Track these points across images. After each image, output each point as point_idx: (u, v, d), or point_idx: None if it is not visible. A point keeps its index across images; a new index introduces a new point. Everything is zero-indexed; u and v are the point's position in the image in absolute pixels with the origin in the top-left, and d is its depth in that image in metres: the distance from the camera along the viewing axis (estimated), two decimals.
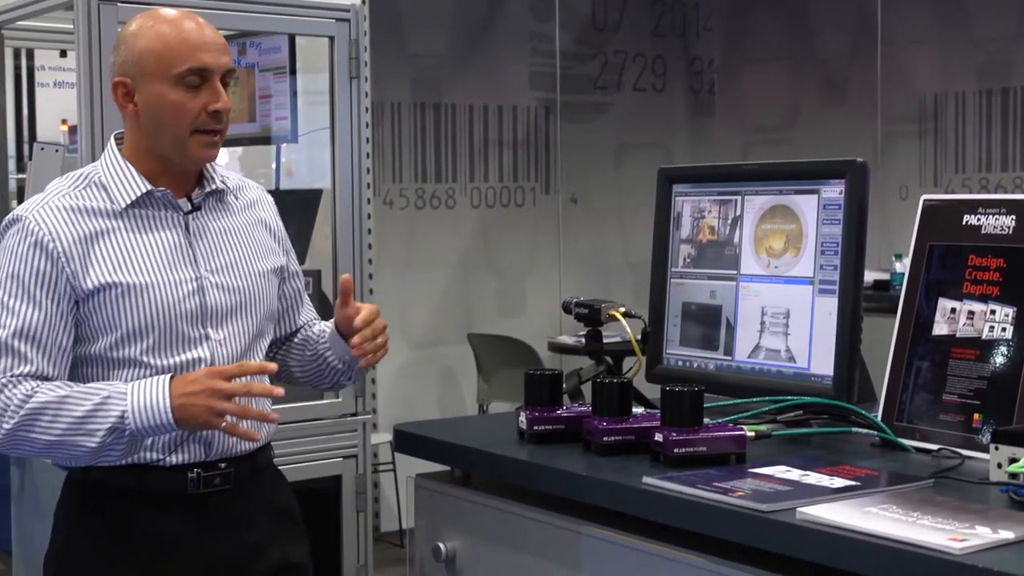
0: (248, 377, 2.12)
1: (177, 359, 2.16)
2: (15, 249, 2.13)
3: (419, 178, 6.54)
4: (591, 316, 2.46)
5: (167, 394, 2.07)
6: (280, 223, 2.41)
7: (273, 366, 2.15)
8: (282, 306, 2.40)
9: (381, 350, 2.26)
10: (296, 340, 2.44)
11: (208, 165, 2.27)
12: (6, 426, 2.07)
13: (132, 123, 2.21)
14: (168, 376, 2.10)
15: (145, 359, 2.15)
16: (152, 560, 2.19)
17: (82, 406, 2.07)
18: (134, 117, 2.19)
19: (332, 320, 2.35)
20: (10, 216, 2.18)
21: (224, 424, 2.09)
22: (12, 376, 2.09)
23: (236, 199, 2.31)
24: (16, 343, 2.10)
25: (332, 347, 2.35)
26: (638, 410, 2.21)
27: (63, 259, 2.12)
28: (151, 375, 2.13)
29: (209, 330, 2.19)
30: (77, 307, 2.14)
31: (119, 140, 2.25)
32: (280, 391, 2.15)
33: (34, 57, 5.60)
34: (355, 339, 2.21)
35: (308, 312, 2.48)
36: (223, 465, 2.22)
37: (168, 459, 2.18)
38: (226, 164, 4.15)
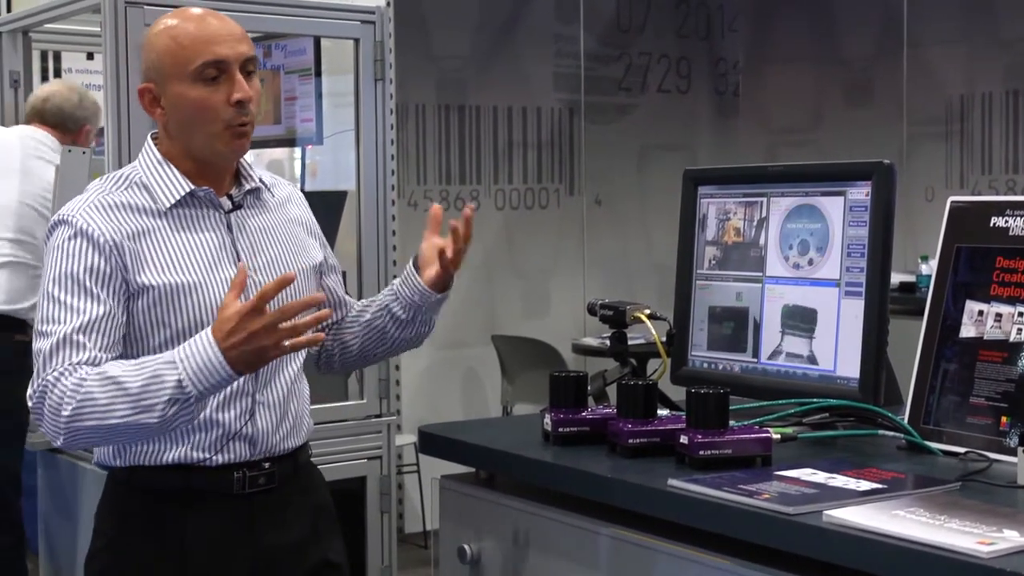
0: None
1: None
2: (66, 246, 2.12)
3: (443, 180, 6.55)
4: (616, 318, 2.45)
5: (217, 349, 2.00)
6: (313, 218, 2.41)
7: (292, 275, 2.08)
8: (332, 300, 2.40)
9: (461, 251, 2.28)
10: (347, 319, 2.43)
11: (243, 163, 2.27)
12: (65, 413, 2.02)
13: (163, 127, 2.21)
14: (208, 330, 2.03)
15: None
16: (196, 560, 2.19)
17: (134, 383, 2.02)
18: (163, 122, 2.19)
19: (409, 263, 2.35)
20: (56, 218, 2.17)
21: (288, 346, 2.04)
22: (69, 365, 2.05)
23: (272, 197, 2.32)
24: (77, 337, 2.07)
25: (402, 290, 2.33)
26: (663, 412, 2.21)
27: (116, 254, 2.11)
28: None
29: None
30: (129, 301, 2.13)
31: (156, 140, 2.24)
32: (321, 296, 2.16)
33: (61, 59, 5.63)
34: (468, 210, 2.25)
35: (351, 300, 2.48)
36: (267, 464, 2.23)
37: (214, 459, 2.18)
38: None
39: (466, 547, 2.29)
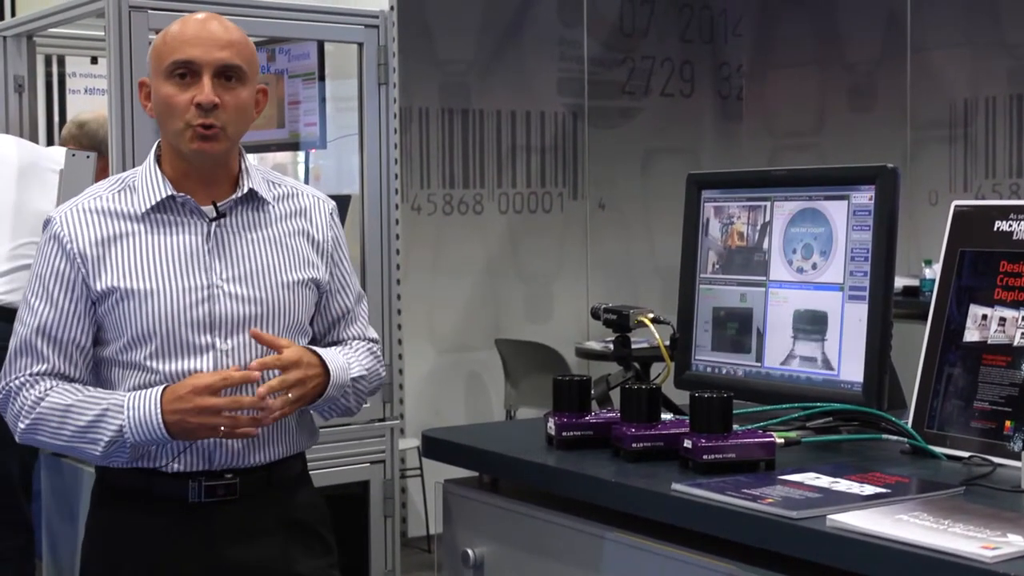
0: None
1: (180, 366, 2.17)
2: (43, 248, 2.22)
3: (447, 184, 6.55)
4: (620, 322, 2.45)
5: (159, 409, 2.10)
6: (332, 235, 2.34)
7: (256, 375, 2.12)
8: (326, 320, 2.36)
9: (275, 411, 2.14)
10: None
11: (247, 169, 2.26)
12: (21, 426, 2.18)
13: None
14: (160, 388, 2.12)
15: (149, 364, 2.17)
16: (161, 562, 2.21)
17: (84, 416, 2.14)
18: (154, 117, 2.23)
19: None
20: (47, 216, 2.25)
21: (222, 433, 2.12)
22: (30, 375, 2.18)
23: (277, 207, 2.29)
24: (35, 340, 2.18)
25: None
26: (667, 416, 2.21)
27: (79, 260, 2.17)
28: (155, 380, 2.16)
29: (216, 339, 2.18)
30: (94, 308, 2.19)
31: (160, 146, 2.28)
32: (269, 402, 2.13)
33: (65, 64, 5.63)
34: (260, 389, 2.13)
35: (354, 329, 2.40)
36: (229, 476, 2.21)
37: (171, 465, 2.19)
38: None
39: (469, 551, 2.29)
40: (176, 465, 2.19)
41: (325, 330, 2.37)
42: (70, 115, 5.52)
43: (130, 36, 3.32)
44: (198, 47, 2.16)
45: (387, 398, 3.84)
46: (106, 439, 2.12)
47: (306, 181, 4.89)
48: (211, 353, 2.18)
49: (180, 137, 2.17)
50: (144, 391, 2.13)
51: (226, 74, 2.17)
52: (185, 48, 2.16)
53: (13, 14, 6.64)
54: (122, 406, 2.12)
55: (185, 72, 2.16)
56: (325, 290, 2.34)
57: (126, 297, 2.16)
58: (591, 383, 2.31)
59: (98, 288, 2.16)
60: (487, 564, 2.28)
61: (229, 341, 2.19)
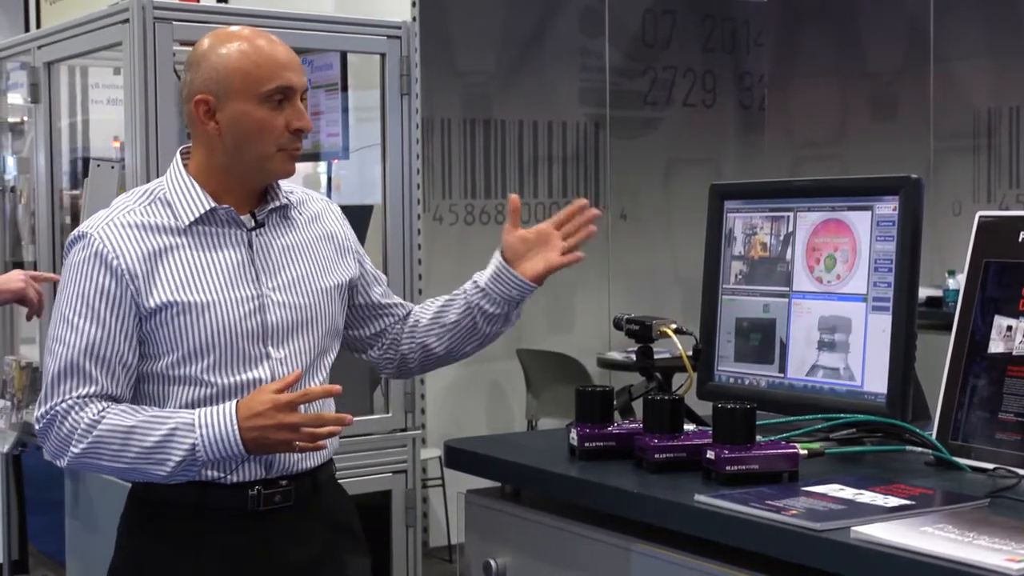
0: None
1: (237, 378, 2.16)
2: (81, 266, 2.15)
3: (469, 194, 6.55)
4: (642, 332, 2.45)
5: (236, 425, 2.07)
6: (346, 231, 2.40)
7: (337, 388, 2.14)
8: (370, 304, 2.41)
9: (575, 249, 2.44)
10: (424, 320, 2.43)
11: (274, 182, 2.28)
12: (74, 450, 2.10)
13: (208, 141, 2.19)
14: (233, 404, 2.10)
15: (205, 377, 2.15)
16: (218, 574, 2.20)
17: (150, 436, 2.08)
18: (215, 135, 2.18)
19: (495, 255, 2.39)
20: (75, 232, 2.19)
21: (298, 448, 2.12)
22: (78, 398, 2.11)
23: (300, 214, 2.31)
24: (82, 361, 2.12)
25: (493, 286, 2.38)
26: (690, 427, 2.20)
27: (127, 276, 2.13)
28: (211, 393, 2.15)
29: (270, 348, 2.19)
30: (141, 324, 2.15)
31: (184, 156, 2.25)
32: (350, 418, 2.15)
33: (88, 75, 5.66)
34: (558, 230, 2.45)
35: (405, 304, 2.48)
36: (284, 482, 2.22)
37: (229, 477, 2.18)
38: None
39: (491, 562, 2.29)
40: (235, 476, 2.18)
41: (372, 306, 2.43)
42: (93, 126, 5.55)
43: (155, 48, 3.34)
44: (292, 72, 2.18)
45: (409, 408, 3.85)
46: (176, 459, 2.08)
47: (328, 191, 4.90)
48: (267, 362, 2.19)
49: (268, 160, 2.18)
50: (214, 408, 2.10)
51: (303, 96, 2.22)
52: (284, 73, 2.17)
53: (39, 25, 6.69)
54: (192, 424, 2.08)
55: (282, 98, 2.17)
56: (356, 284, 2.38)
57: (183, 311, 2.13)
58: (613, 394, 2.31)
59: (150, 304, 2.13)
60: (509, 575, 2.28)
61: (281, 350, 2.20)
